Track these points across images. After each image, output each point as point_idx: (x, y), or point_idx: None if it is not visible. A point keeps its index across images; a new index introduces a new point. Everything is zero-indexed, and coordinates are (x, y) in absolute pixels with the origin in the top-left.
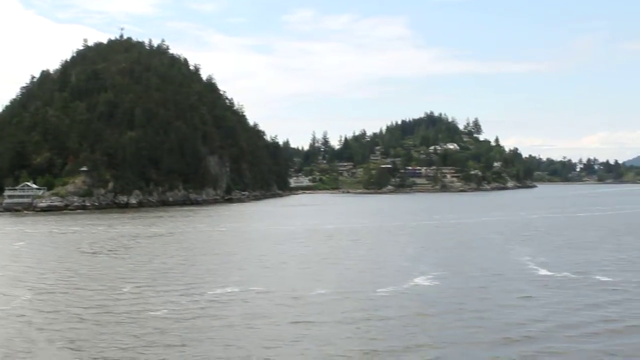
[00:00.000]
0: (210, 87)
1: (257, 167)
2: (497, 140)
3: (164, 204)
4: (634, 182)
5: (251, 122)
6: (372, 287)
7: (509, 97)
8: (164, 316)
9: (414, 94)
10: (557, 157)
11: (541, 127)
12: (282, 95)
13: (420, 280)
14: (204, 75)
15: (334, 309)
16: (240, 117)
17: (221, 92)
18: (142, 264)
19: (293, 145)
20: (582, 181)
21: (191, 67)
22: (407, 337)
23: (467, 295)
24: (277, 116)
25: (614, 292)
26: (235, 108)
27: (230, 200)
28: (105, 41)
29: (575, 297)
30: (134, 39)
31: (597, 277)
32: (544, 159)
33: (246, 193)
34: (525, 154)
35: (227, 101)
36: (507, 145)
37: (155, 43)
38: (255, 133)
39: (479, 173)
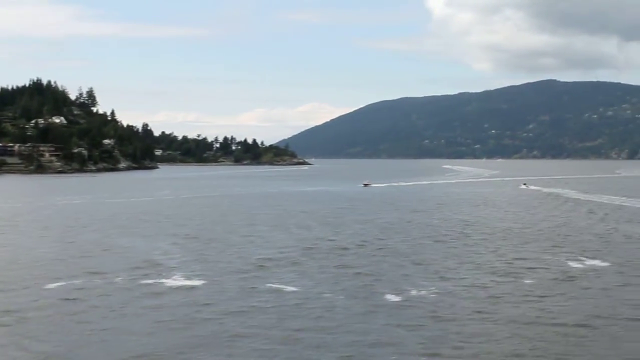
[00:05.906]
0: None
1: None
2: (113, 113)
3: None
4: (271, 163)
5: None
6: None
7: (158, 65)
8: None
9: (45, 57)
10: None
11: (196, 101)
12: None
13: None
14: None
15: None
16: None
17: None
18: None
19: None
20: (218, 162)
21: None
22: None
23: None
24: None
25: None
26: None
27: None
28: None
29: None
30: None
31: None
32: (180, 137)
33: None
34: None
35: None
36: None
37: None
38: None
39: (84, 151)
